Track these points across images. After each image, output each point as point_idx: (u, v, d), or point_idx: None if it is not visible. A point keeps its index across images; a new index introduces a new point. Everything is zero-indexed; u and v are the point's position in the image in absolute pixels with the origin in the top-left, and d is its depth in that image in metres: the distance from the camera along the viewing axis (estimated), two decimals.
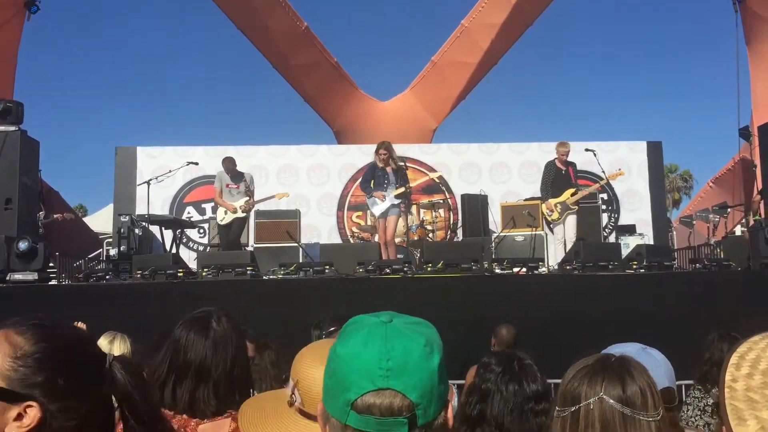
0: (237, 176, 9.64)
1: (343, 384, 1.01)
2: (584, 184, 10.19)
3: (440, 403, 1.04)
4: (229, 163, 9.65)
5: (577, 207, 9.48)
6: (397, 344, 1.02)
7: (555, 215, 9.45)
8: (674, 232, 14.86)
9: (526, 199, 11.27)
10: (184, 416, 1.95)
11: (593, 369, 1.58)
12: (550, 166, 9.70)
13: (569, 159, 9.68)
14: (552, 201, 9.47)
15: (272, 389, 3.65)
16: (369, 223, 12.08)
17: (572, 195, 9.41)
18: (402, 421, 0.99)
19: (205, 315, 2.05)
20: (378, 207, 8.78)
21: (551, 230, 9.77)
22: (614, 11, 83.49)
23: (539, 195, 9.97)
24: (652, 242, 11.87)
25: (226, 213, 9.53)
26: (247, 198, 9.54)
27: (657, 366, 1.94)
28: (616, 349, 1.85)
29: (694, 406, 3.71)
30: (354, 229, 12.79)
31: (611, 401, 1.51)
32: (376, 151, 8.91)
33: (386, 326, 1.04)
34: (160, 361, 2.02)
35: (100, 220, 18.66)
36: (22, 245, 7.77)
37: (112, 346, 4.10)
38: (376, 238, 9.73)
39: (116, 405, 1.23)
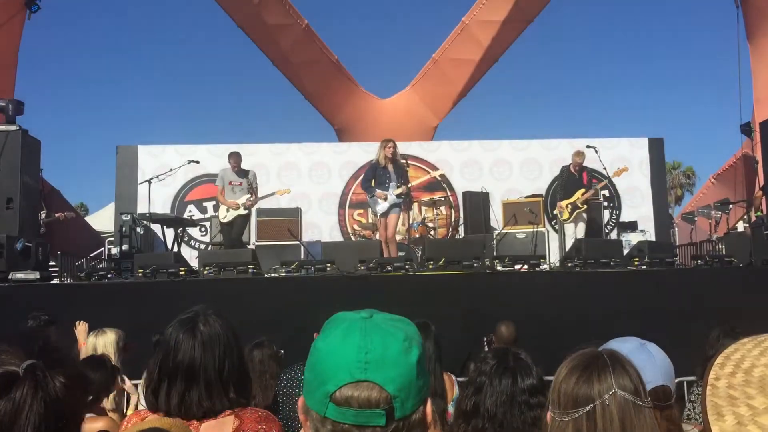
0: (241, 173, 9.63)
1: (323, 377, 1.02)
2: (594, 182, 10.38)
3: (418, 398, 1.05)
4: (236, 158, 9.64)
5: (585, 206, 9.85)
6: (376, 338, 1.03)
7: (566, 215, 9.82)
8: (676, 229, 14.85)
9: (527, 196, 11.29)
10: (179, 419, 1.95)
11: (593, 365, 1.56)
12: (564, 170, 10.14)
13: (584, 165, 10.09)
14: (563, 202, 9.85)
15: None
16: (370, 220, 12.08)
17: (582, 194, 9.78)
18: (379, 413, 1.00)
19: (192, 316, 2.04)
20: (380, 206, 8.79)
21: (555, 229, 9.92)
22: (616, 8, 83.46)
23: (540, 192, 10.15)
24: (653, 239, 11.87)
25: (228, 210, 9.51)
26: (249, 195, 9.52)
27: (651, 363, 1.92)
28: (615, 345, 1.84)
29: (698, 402, 3.71)
30: (355, 226, 12.79)
31: (624, 393, 1.51)
32: (385, 146, 8.82)
33: (366, 321, 1.06)
34: (153, 366, 2.02)
35: (102, 219, 18.67)
36: (18, 245, 7.79)
37: (97, 339, 4.18)
38: (378, 236, 9.73)
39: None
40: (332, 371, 1.01)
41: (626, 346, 1.87)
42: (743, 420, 0.80)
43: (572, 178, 9.97)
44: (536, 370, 2.24)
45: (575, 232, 9.77)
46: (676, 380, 2.14)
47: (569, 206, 9.79)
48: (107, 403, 3.68)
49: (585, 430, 1.50)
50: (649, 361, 1.91)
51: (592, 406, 1.50)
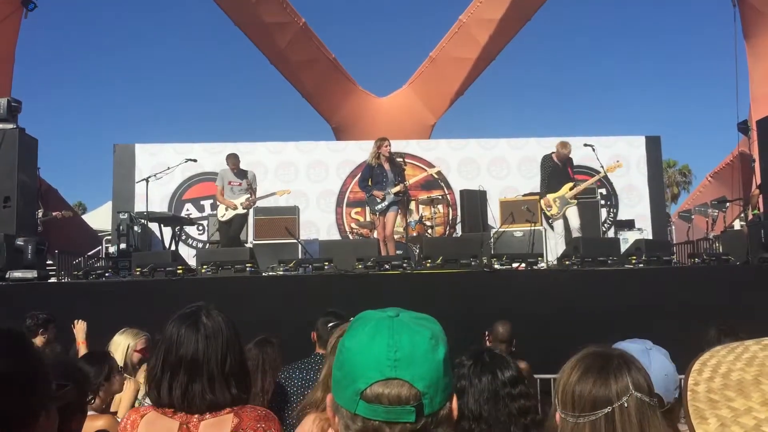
0: (240, 173, 9.65)
1: (353, 375, 1.05)
2: (582, 179, 10.14)
3: (445, 394, 1.08)
4: (234, 160, 9.66)
5: (576, 201, 9.39)
6: (404, 336, 1.06)
7: (554, 210, 9.34)
8: (673, 227, 14.89)
9: (524, 195, 11.25)
10: (184, 413, 1.95)
11: (608, 366, 1.56)
12: (546, 159, 9.56)
13: (570, 156, 9.55)
14: (550, 196, 9.35)
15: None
16: (368, 219, 12.08)
17: (571, 189, 9.32)
18: (409, 410, 1.03)
19: (195, 310, 2.05)
20: (378, 204, 8.79)
21: (550, 225, 9.76)
22: (613, 6, 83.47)
23: (538, 190, 9.89)
24: (651, 237, 11.88)
25: (226, 209, 9.52)
26: (248, 195, 9.53)
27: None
28: (620, 346, 1.83)
29: None
30: (353, 225, 12.79)
31: (641, 395, 1.52)
32: (381, 145, 8.80)
33: (393, 320, 1.09)
34: (154, 360, 2.02)
35: (99, 218, 18.64)
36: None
37: (120, 337, 4.26)
38: (375, 234, 9.73)
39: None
40: (362, 369, 1.04)
41: (631, 349, 1.85)
42: (726, 422, 0.83)
43: (557, 170, 9.38)
44: (513, 362, 2.25)
45: (564, 228, 9.32)
46: None
47: (557, 200, 9.28)
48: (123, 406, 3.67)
49: (604, 431, 1.51)
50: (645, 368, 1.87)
51: (611, 408, 1.51)
